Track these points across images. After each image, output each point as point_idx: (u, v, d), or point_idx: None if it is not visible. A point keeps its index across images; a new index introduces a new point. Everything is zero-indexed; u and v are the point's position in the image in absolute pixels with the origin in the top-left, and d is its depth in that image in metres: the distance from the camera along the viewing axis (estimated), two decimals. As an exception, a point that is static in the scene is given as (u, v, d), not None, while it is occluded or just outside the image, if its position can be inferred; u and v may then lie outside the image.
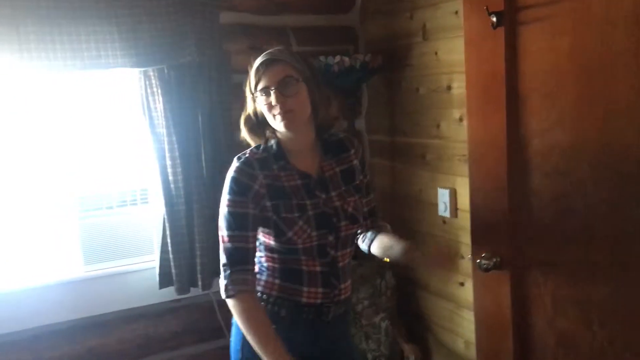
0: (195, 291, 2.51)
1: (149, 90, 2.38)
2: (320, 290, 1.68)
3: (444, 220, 2.46)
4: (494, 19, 1.66)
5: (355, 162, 1.78)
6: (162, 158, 2.41)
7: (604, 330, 1.60)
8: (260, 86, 1.60)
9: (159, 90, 2.36)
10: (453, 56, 2.30)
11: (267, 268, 1.70)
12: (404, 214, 2.67)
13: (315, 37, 2.78)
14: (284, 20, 2.70)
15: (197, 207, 2.43)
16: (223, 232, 1.62)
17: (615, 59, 1.47)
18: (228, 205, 1.61)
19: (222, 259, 1.63)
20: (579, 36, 1.54)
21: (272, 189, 1.63)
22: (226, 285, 1.61)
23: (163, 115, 2.37)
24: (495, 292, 1.83)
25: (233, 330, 1.76)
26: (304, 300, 1.68)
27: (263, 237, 1.67)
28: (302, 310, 1.69)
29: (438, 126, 2.42)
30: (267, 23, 2.66)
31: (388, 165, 2.75)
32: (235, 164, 1.66)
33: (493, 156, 1.77)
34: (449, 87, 2.33)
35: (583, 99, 1.55)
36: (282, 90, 1.57)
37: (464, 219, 2.35)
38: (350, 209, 1.72)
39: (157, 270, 2.48)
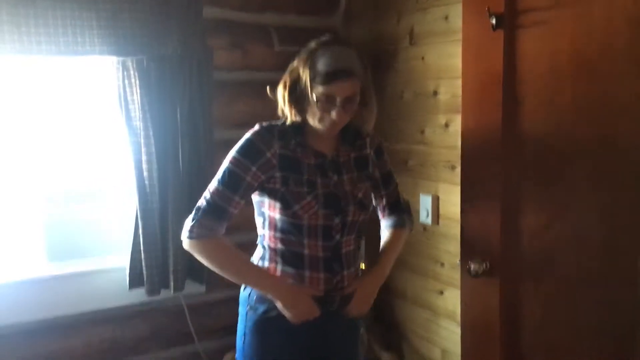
0: (165, 294, 2.41)
1: (126, 82, 2.27)
2: (322, 275, 1.66)
3: (424, 227, 2.43)
4: (494, 21, 1.65)
5: (369, 151, 1.79)
6: (138, 152, 2.31)
7: (594, 340, 1.59)
8: (326, 91, 1.55)
9: (137, 82, 2.26)
10: (441, 61, 2.28)
11: (269, 248, 1.69)
12: (383, 220, 2.62)
13: (297, 37, 2.70)
14: (267, 18, 2.65)
15: (172, 206, 2.34)
16: (214, 183, 1.64)
17: (614, 63, 1.47)
18: (231, 162, 1.63)
19: (200, 204, 1.64)
20: (579, 41, 1.53)
21: (284, 160, 1.63)
22: (192, 227, 1.62)
23: (140, 108, 2.27)
24: (484, 298, 1.80)
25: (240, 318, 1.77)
26: (307, 285, 1.67)
27: (269, 211, 1.66)
28: None
29: (422, 132, 2.40)
30: (250, 20, 2.61)
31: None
32: (255, 127, 1.67)
33: (487, 160, 1.75)
34: (436, 93, 2.31)
35: (581, 103, 1.55)
36: (344, 106, 1.58)
37: (446, 226, 2.33)
38: (360, 195, 1.72)
39: (127, 270, 2.36)
